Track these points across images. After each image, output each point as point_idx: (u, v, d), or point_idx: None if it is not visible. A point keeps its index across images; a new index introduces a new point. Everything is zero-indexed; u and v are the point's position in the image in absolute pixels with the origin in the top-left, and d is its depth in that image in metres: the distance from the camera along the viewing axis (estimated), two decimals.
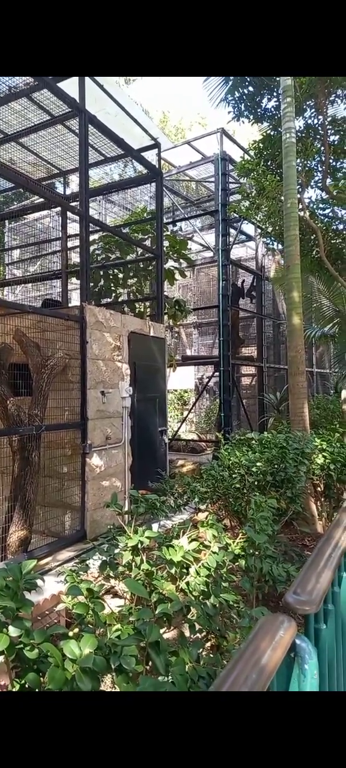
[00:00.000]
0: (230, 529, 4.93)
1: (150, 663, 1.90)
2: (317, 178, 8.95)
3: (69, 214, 8.35)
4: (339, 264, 9.15)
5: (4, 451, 4.80)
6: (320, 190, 9.11)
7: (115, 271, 9.05)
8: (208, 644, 2.91)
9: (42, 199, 7.40)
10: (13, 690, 1.79)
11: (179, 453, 11.19)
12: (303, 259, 7.77)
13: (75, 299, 11.16)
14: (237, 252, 13.36)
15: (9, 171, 5.62)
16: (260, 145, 8.56)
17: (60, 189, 9.07)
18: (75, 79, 5.71)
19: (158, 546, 2.90)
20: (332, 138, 8.46)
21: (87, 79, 5.86)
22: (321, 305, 9.54)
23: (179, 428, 12.69)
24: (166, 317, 8.80)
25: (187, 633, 2.51)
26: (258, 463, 4.77)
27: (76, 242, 8.26)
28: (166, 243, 8.71)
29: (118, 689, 1.73)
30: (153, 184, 7.93)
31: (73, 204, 7.03)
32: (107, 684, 2.74)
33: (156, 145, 7.74)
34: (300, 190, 7.98)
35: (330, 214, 9.36)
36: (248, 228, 12.02)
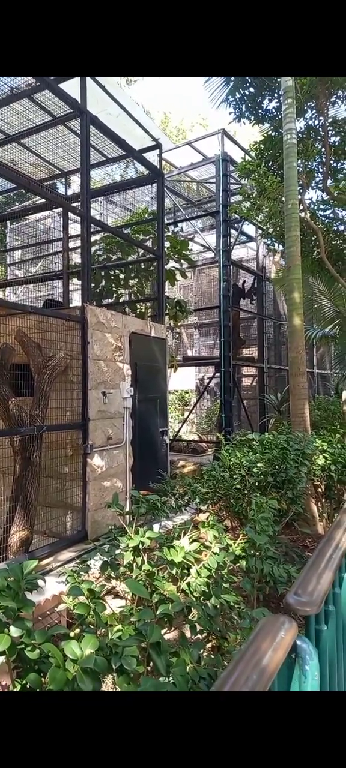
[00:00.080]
0: (230, 530, 4.93)
1: (151, 664, 1.90)
2: (317, 179, 8.94)
3: (70, 214, 8.38)
4: (340, 265, 9.14)
5: (5, 451, 4.81)
6: (321, 191, 9.10)
7: (117, 271, 9.07)
8: (209, 645, 2.90)
9: (43, 200, 7.42)
10: (15, 690, 1.79)
11: (179, 454, 11.20)
12: (304, 260, 7.77)
13: (76, 300, 11.18)
14: (238, 253, 13.36)
15: (11, 171, 5.64)
16: (261, 146, 8.55)
17: (61, 190, 9.09)
18: (76, 80, 5.72)
19: (159, 547, 2.90)
20: (332, 139, 8.47)
21: (88, 80, 5.86)
22: (322, 306, 9.56)
23: (179, 429, 12.70)
24: (167, 318, 8.81)
25: (188, 634, 2.52)
26: (259, 464, 4.77)
27: (78, 243, 8.29)
28: (167, 244, 8.72)
29: (119, 690, 1.73)
30: (154, 184, 7.94)
31: (74, 204, 7.05)
32: (108, 684, 2.74)
33: (157, 145, 7.75)
34: (301, 191, 7.98)
35: (331, 215, 9.35)
36: (249, 229, 12.02)
